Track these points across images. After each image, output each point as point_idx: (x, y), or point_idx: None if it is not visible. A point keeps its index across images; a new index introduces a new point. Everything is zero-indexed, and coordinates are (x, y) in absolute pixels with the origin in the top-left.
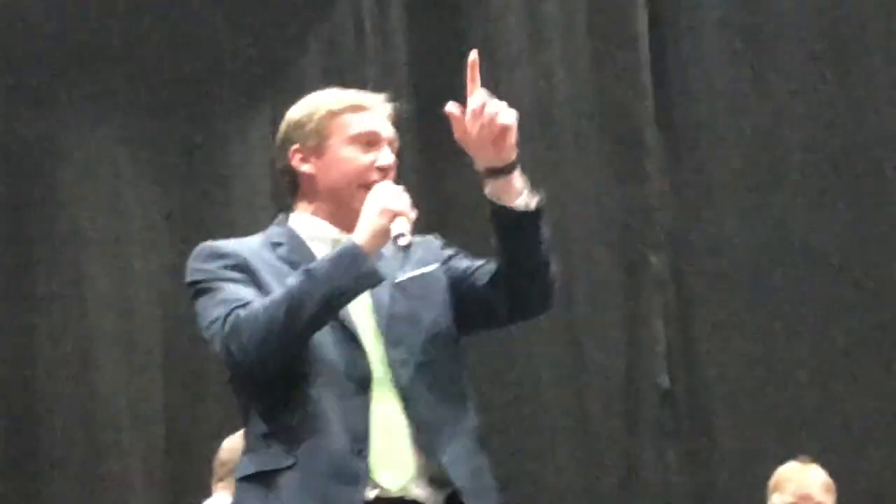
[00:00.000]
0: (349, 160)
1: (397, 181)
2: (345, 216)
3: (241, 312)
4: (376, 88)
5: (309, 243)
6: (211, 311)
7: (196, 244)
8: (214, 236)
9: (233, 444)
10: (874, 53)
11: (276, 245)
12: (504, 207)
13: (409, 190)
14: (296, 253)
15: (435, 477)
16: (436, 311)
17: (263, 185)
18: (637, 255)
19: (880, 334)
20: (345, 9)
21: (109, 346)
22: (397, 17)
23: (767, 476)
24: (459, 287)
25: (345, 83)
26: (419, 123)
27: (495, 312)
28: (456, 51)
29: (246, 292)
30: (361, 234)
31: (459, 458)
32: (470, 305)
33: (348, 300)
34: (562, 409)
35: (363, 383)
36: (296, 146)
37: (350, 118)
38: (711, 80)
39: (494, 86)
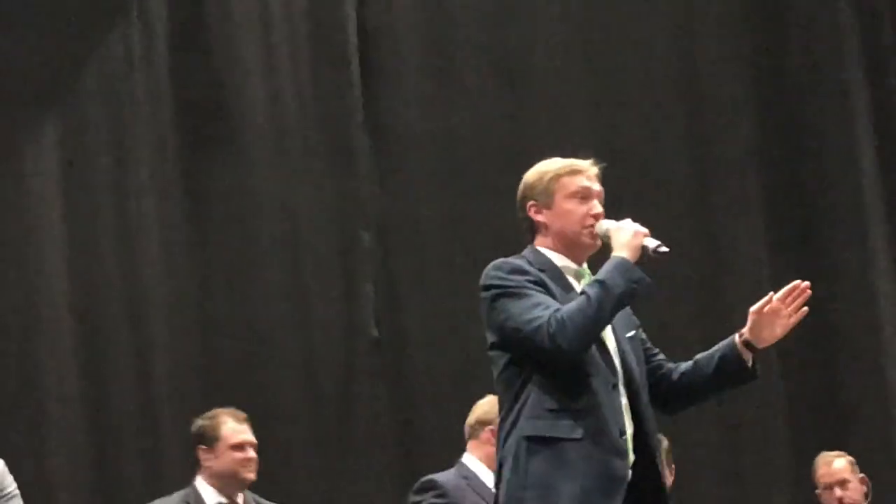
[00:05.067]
0: (570, 214)
1: None
2: (574, 251)
3: (560, 314)
4: (144, 105)
5: (563, 271)
6: (531, 310)
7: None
8: (13, 224)
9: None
10: (537, 68)
11: (542, 270)
12: (748, 365)
13: (174, 185)
14: (558, 280)
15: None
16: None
17: (52, 178)
18: (352, 234)
19: None
20: (117, 38)
21: None
22: (161, 47)
23: (460, 405)
24: (646, 359)
25: (119, 101)
26: (179, 126)
27: (661, 397)
28: (207, 76)
29: (552, 301)
30: (625, 252)
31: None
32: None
33: (631, 300)
34: (294, 356)
35: (615, 384)
36: (532, 202)
37: (569, 179)
38: (408, 94)
39: (236, 101)
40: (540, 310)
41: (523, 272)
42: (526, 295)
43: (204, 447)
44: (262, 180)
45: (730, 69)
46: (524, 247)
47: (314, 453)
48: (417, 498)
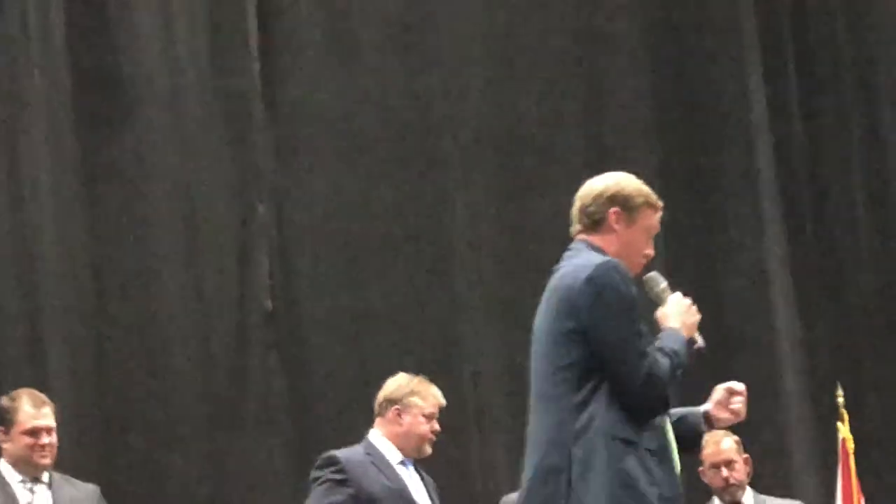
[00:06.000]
0: (640, 242)
1: None
2: (627, 264)
3: (653, 370)
4: (40, 74)
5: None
6: (642, 353)
7: None
8: None
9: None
10: (440, 48)
11: (632, 282)
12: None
13: (69, 156)
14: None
15: None
16: None
17: None
18: (248, 206)
19: (427, 261)
20: (12, 5)
21: None
22: (58, 16)
23: (353, 380)
24: None
25: (14, 70)
26: (75, 96)
27: None
28: (105, 46)
29: (645, 331)
30: (685, 333)
31: None
32: None
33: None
34: (188, 327)
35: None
36: (618, 208)
37: (653, 213)
38: (307, 67)
39: (133, 71)
40: (645, 358)
41: (634, 285)
42: (634, 320)
43: (2, 428)
44: (159, 151)
45: (627, 48)
46: (421, 219)
47: (206, 426)
48: (317, 473)
